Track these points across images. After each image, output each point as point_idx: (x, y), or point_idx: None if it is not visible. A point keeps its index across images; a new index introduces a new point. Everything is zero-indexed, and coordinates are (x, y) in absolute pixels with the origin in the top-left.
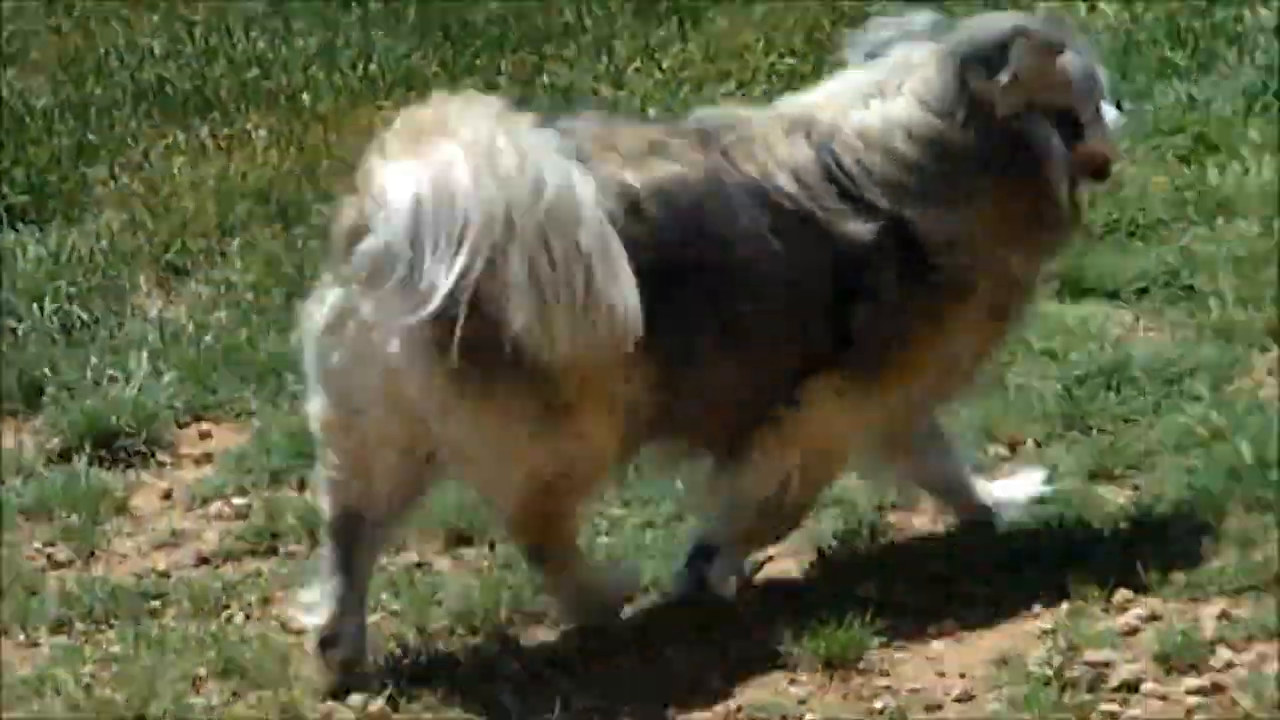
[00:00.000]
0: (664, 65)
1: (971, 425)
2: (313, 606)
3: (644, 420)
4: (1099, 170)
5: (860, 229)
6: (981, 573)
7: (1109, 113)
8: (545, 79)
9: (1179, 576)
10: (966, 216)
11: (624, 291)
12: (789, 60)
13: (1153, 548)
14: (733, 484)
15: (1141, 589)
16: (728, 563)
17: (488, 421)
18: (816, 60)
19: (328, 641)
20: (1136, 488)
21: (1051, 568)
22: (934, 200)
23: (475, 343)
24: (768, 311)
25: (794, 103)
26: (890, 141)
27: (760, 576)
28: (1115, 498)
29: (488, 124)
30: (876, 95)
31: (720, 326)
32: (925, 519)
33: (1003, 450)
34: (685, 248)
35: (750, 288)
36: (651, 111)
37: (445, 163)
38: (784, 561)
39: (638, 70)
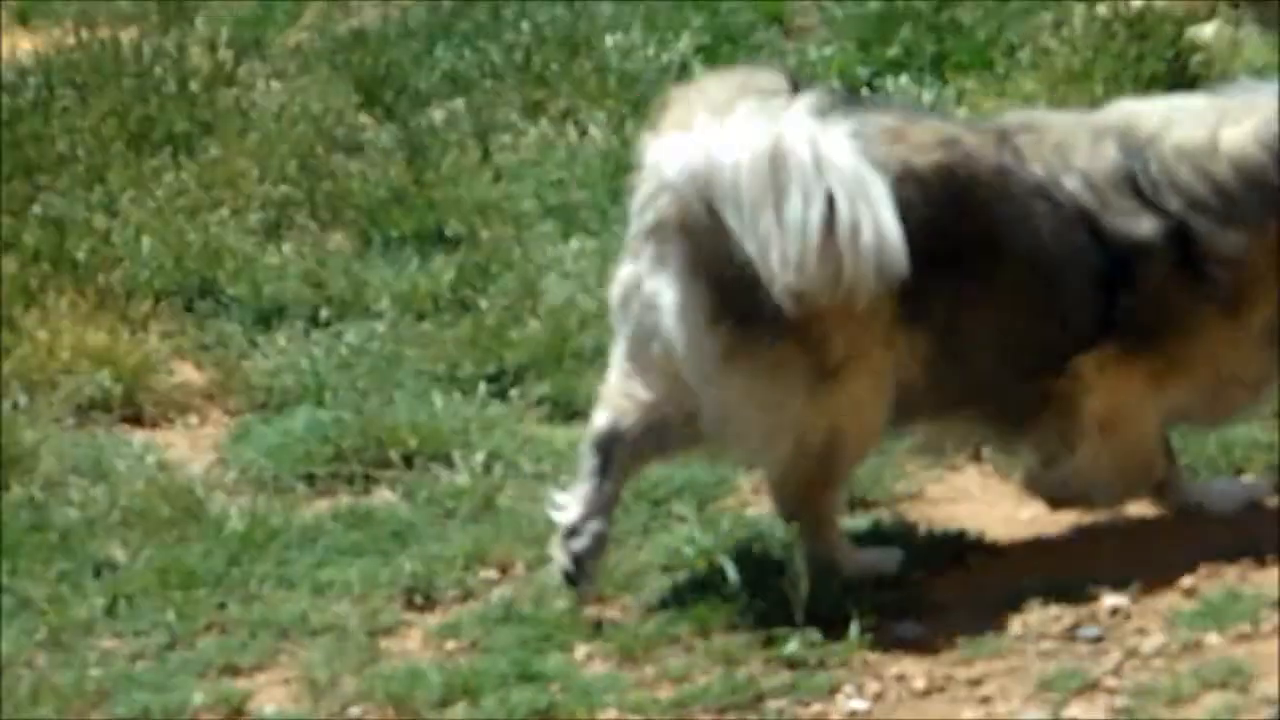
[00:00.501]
0: (158, 194)
1: (462, 550)
2: (565, 505)
3: (914, 395)
4: None
5: (1141, 226)
6: (448, 699)
7: None
8: (38, 209)
9: (665, 694)
10: (1254, 245)
11: (879, 226)
12: (283, 187)
13: (642, 666)
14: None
15: (629, 707)
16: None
17: (759, 390)
18: (310, 188)
19: (571, 533)
20: (626, 608)
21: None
22: (1228, 219)
23: (743, 311)
24: (1032, 294)
25: (1122, 108)
26: (1209, 162)
27: None
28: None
29: (753, 102)
30: (1215, 119)
31: (982, 303)
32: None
33: (493, 574)
34: (960, 226)
35: (1017, 271)
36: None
37: (706, 139)
38: None
39: (132, 200)
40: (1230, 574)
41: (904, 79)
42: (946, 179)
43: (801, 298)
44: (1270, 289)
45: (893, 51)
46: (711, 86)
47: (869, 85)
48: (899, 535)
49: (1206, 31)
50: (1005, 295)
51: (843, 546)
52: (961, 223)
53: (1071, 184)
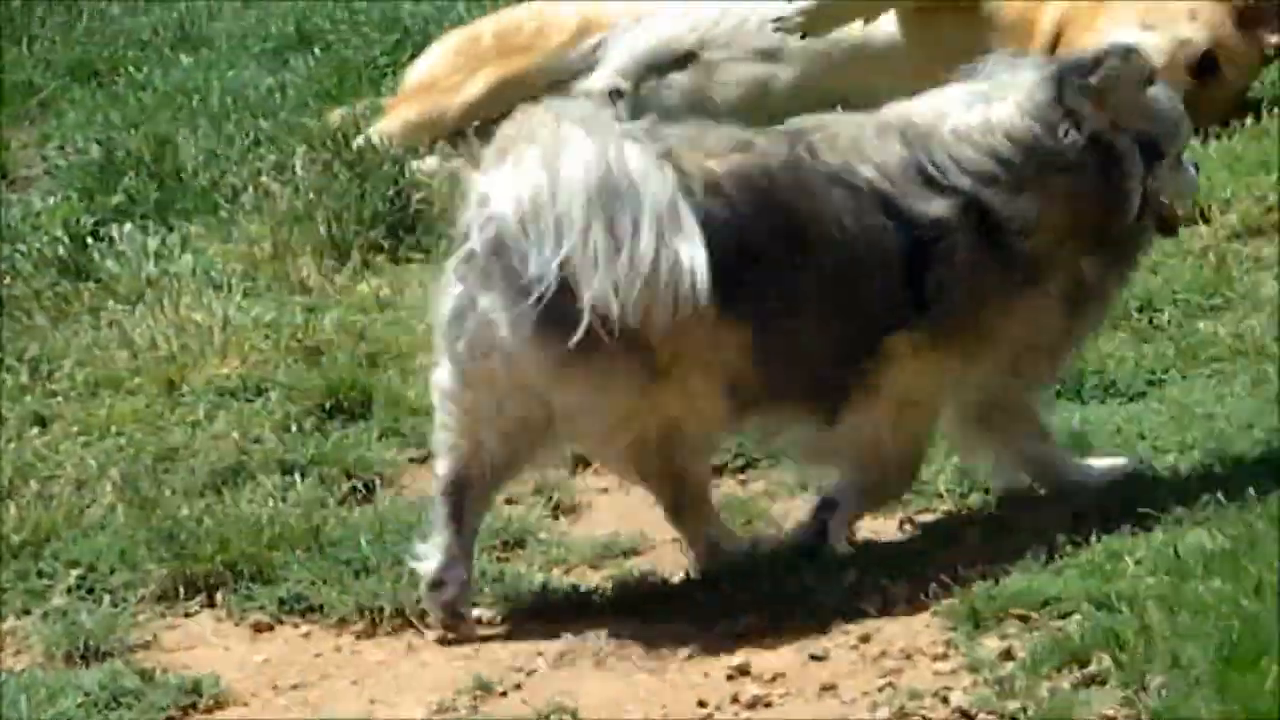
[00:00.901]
0: None
1: None
2: (425, 555)
3: (745, 388)
4: (1166, 225)
5: (937, 205)
6: None
7: (1189, 169)
8: None
9: None
10: (1045, 210)
11: (689, 253)
12: None
13: None
14: (835, 444)
15: None
16: (842, 518)
17: (595, 393)
18: None
19: (435, 585)
20: None
21: None
22: (1015, 188)
23: (570, 325)
24: (840, 279)
25: (895, 109)
26: (986, 138)
27: None
28: None
29: (565, 126)
30: (981, 102)
31: (797, 294)
32: None
33: None
34: (762, 223)
35: (824, 259)
36: None
37: (526, 166)
38: None
39: None
40: None
41: (129, 227)
42: (745, 180)
43: (617, 322)
44: (1061, 253)
45: (116, 199)
46: (535, 119)
47: (94, 235)
48: (133, 687)
49: (426, 168)
50: (814, 283)
51: (725, 529)
52: (764, 219)
53: (867, 172)
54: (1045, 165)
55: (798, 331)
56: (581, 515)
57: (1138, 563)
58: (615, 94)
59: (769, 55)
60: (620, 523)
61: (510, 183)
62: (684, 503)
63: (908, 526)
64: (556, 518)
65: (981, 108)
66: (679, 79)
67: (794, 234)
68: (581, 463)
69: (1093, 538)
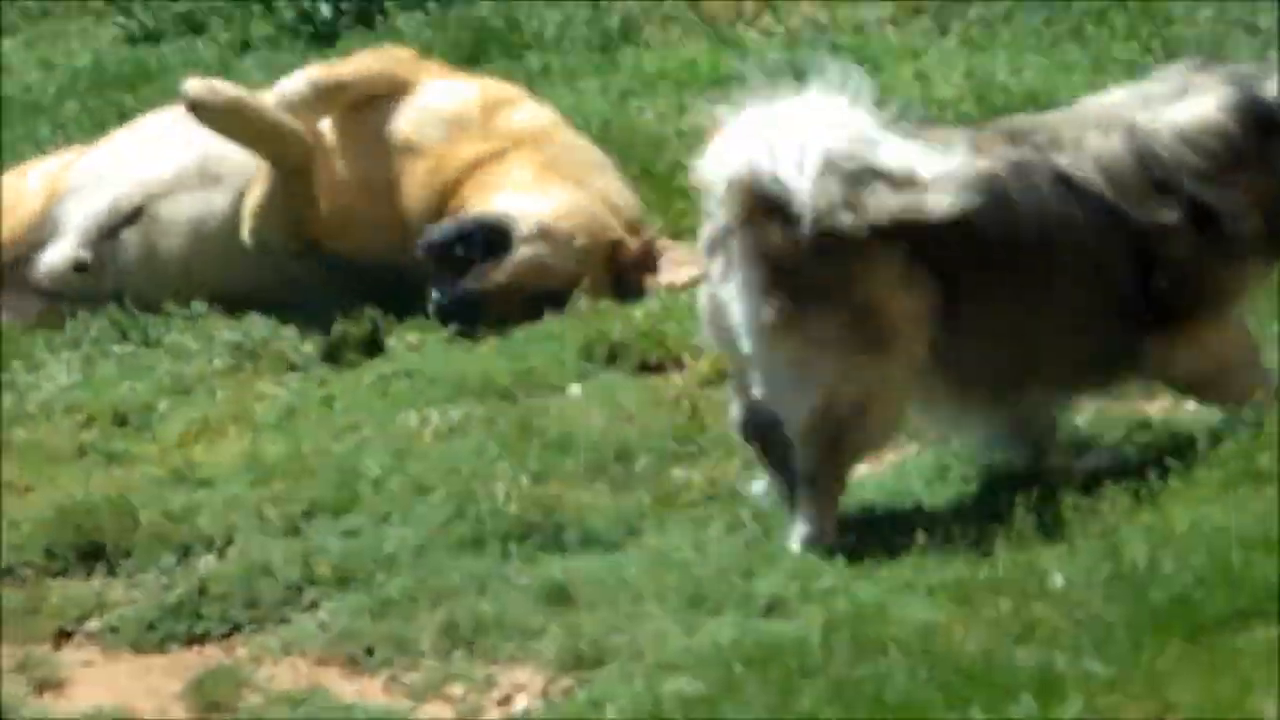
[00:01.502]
0: None
1: None
2: (763, 490)
3: (946, 377)
4: None
5: (1162, 212)
6: None
7: None
8: None
9: None
10: (1246, 200)
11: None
12: None
13: None
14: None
15: None
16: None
17: (803, 355)
18: None
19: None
20: None
21: None
22: (1226, 181)
23: (794, 286)
24: (1068, 278)
25: (1100, 104)
26: (1200, 137)
27: None
28: None
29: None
30: (1183, 96)
31: (1026, 292)
32: None
33: None
34: (998, 225)
35: (1051, 259)
36: None
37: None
38: None
39: None
40: None
41: None
42: (982, 183)
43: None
44: (1264, 236)
45: None
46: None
47: None
48: None
49: None
50: (1037, 283)
51: (832, 519)
52: (996, 224)
53: (1091, 172)
54: (1243, 159)
55: (1023, 324)
56: (65, 689)
57: (619, 713)
58: (80, 267)
59: (208, 182)
60: (105, 695)
61: (761, 146)
62: (824, 473)
63: None
64: (40, 694)
65: (1186, 103)
66: (130, 236)
67: (1023, 238)
68: (64, 636)
69: (575, 687)
